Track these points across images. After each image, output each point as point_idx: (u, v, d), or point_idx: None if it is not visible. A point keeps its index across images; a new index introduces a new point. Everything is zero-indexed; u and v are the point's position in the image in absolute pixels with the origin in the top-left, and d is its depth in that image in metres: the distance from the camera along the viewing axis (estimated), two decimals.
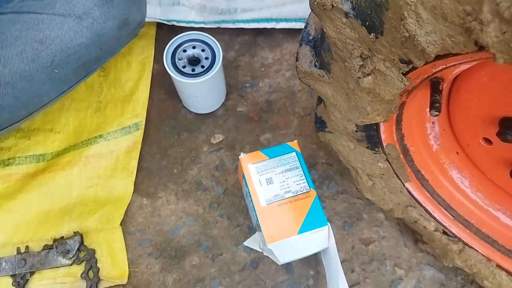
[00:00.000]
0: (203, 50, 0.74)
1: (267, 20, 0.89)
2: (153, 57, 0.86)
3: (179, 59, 0.74)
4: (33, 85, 0.65)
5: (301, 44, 0.54)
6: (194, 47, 0.74)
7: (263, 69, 0.88)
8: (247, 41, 0.90)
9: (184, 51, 0.74)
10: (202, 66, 0.73)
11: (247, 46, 0.90)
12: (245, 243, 0.71)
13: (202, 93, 0.76)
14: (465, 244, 0.60)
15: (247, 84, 0.86)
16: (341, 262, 0.63)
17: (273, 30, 0.90)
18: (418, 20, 0.33)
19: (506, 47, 0.28)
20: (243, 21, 0.89)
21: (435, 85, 0.46)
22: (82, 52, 0.66)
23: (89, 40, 0.66)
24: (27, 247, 0.70)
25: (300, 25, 0.88)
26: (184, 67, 0.73)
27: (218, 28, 0.89)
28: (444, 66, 0.39)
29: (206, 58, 0.74)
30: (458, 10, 0.30)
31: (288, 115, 0.84)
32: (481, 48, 0.32)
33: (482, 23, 0.29)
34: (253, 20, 0.89)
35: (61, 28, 0.64)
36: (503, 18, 0.27)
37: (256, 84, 0.86)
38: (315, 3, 0.41)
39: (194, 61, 0.74)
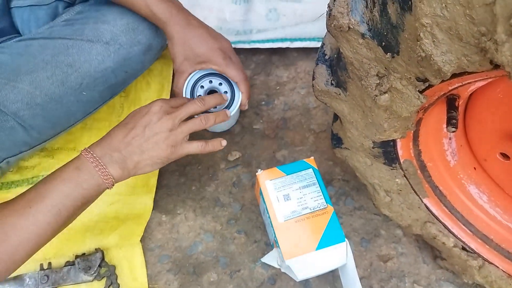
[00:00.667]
0: (220, 84, 0.72)
1: (282, 40, 0.91)
2: (171, 78, 0.88)
3: (198, 96, 0.72)
4: (62, 107, 0.68)
5: (317, 64, 0.56)
6: (211, 82, 0.72)
7: (278, 87, 0.90)
8: (262, 60, 0.93)
9: (202, 87, 0.72)
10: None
11: (263, 65, 0.92)
12: (262, 260, 0.71)
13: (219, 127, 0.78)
14: (485, 260, 0.60)
15: (263, 102, 0.88)
16: (359, 279, 0.63)
17: (287, 49, 0.93)
18: (434, 41, 0.34)
19: None
20: (259, 41, 0.91)
21: (451, 101, 0.47)
22: (109, 76, 0.69)
23: (116, 64, 0.69)
24: (49, 263, 0.71)
25: (315, 44, 0.90)
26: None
27: (234, 48, 0.91)
28: (460, 84, 0.40)
29: (225, 92, 0.72)
30: (473, 31, 0.31)
31: (304, 132, 0.85)
32: (496, 66, 0.33)
33: (497, 43, 0.30)
34: (268, 40, 0.91)
35: (89, 53, 0.67)
36: None
37: (271, 102, 0.88)
38: (332, 25, 0.43)
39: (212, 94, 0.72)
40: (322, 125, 0.86)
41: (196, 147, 0.62)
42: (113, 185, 0.57)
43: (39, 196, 0.52)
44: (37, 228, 0.51)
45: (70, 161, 0.56)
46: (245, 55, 0.93)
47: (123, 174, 0.57)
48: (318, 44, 0.91)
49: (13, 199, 0.53)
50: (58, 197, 0.52)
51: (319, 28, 0.91)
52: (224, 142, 0.66)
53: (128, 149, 0.57)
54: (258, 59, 0.93)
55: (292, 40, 0.91)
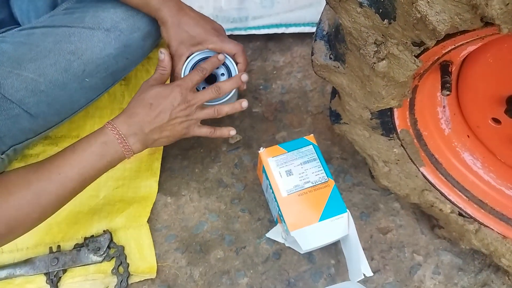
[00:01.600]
0: (217, 67, 0.72)
1: (277, 25, 0.94)
2: None
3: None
4: (65, 93, 0.69)
5: (315, 40, 0.58)
6: None
7: (275, 72, 0.92)
8: (258, 47, 0.95)
9: None
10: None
11: (259, 51, 0.94)
12: (267, 235, 0.74)
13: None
14: (481, 223, 0.63)
15: (261, 87, 0.90)
16: None
17: (283, 35, 0.95)
18: (428, 2, 0.37)
19: (510, 17, 0.32)
20: (254, 28, 0.94)
21: (444, 68, 0.49)
22: (110, 62, 0.71)
23: (117, 51, 0.71)
24: (58, 246, 0.73)
25: (309, 29, 0.93)
26: (203, 87, 0.73)
27: (231, 35, 0.93)
28: (453, 46, 0.43)
29: (222, 74, 0.73)
30: None
31: (302, 114, 0.87)
32: (486, 24, 0.35)
33: None
34: (263, 26, 0.94)
35: (91, 40, 0.69)
36: None
37: (269, 86, 0.91)
38: None
39: (210, 78, 0.74)
40: (319, 107, 0.88)
41: (205, 131, 0.70)
42: (131, 156, 0.64)
43: (68, 164, 0.59)
44: (64, 192, 0.59)
45: (96, 133, 0.62)
46: (242, 41, 0.95)
47: (142, 148, 0.64)
48: (313, 29, 0.93)
49: (40, 162, 0.60)
50: (85, 167, 0.59)
51: (313, 14, 0.93)
52: (233, 132, 0.72)
53: (151, 128, 0.63)
54: (254, 46, 0.95)
55: (287, 25, 0.93)
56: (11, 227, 0.56)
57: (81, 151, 0.60)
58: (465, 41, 0.41)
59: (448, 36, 0.39)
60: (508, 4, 0.32)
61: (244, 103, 0.70)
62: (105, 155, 0.60)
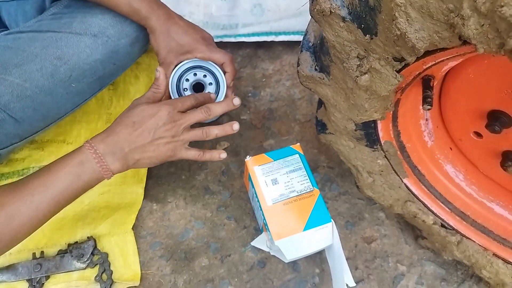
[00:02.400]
0: (204, 76, 0.73)
1: (266, 33, 0.94)
2: None
3: (184, 90, 0.73)
4: (51, 98, 0.69)
5: (301, 51, 0.59)
6: (195, 74, 0.73)
7: (264, 79, 0.92)
8: (248, 54, 0.95)
9: (187, 80, 0.73)
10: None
11: (248, 58, 0.95)
12: (252, 243, 0.74)
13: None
14: (463, 235, 0.63)
15: (250, 94, 0.91)
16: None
17: (272, 43, 0.95)
18: (408, 19, 0.37)
19: (485, 38, 0.33)
20: (244, 35, 0.94)
21: (426, 82, 0.50)
22: (97, 68, 0.71)
23: (104, 56, 0.70)
24: (42, 252, 0.72)
25: (298, 38, 0.94)
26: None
27: (221, 42, 0.94)
28: (434, 62, 0.43)
29: (210, 84, 0.73)
30: (442, 8, 0.34)
31: (289, 122, 0.88)
32: (464, 42, 0.36)
33: (463, 18, 0.33)
34: (253, 34, 0.94)
35: (78, 45, 0.69)
36: (480, 12, 0.31)
37: (258, 93, 0.91)
38: (315, 10, 0.46)
39: (198, 87, 0.73)
40: (307, 115, 0.89)
41: (193, 154, 0.66)
42: (111, 177, 0.61)
43: (42, 186, 0.56)
44: (37, 214, 0.55)
45: (73, 152, 0.59)
46: (232, 49, 0.95)
47: (122, 169, 0.61)
48: (302, 38, 0.94)
49: (15, 184, 0.56)
50: (60, 188, 0.56)
51: (302, 22, 0.94)
52: (223, 155, 0.68)
53: (131, 148, 0.60)
54: (244, 53, 0.96)
55: (276, 34, 0.94)
56: None
57: (56, 172, 0.57)
58: (446, 58, 0.42)
59: (428, 53, 0.40)
60: (483, 24, 0.32)
61: (235, 126, 0.67)
62: (81, 175, 0.57)
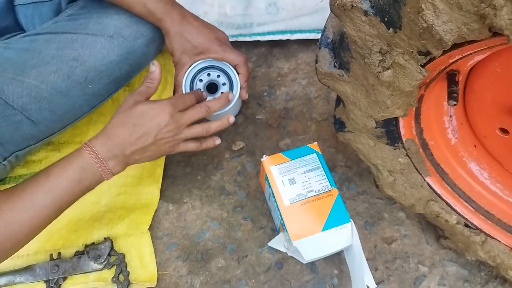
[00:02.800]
0: (218, 76, 0.73)
1: (282, 32, 0.93)
2: (174, 71, 0.90)
3: (198, 90, 0.72)
4: (68, 100, 0.69)
5: (319, 47, 0.58)
6: (209, 74, 0.73)
7: (279, 78, 0.91)
8: (263, 53, 0.94)
9: (200, 80, 0.72)
10: (222, 93, 0.72)
11: (264, 57, 0.94)
12: (269, 244, 0.73)
13: (223, 114, 0.78)
14: (487, 235, 0.61)
15: (265, 93, 0.90)
16: None
17: (288, 41, 0.94)
18: (435, 11, 0.36)
19: None
20: (259, 34, 0.93)
21: (451, 77, 0.48)
22: (113, 69, 0.70)
23: (120, 57, 0.70)
24: (59, 253, 0.72)
25: (314, 36, 0.92)
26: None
27: (236, 41, 0.93)
28: (460, 56, 0.42)
29: (224, 84, 0.73)
30: None
31: (306, 121, 0.87)
32: (494, 33, 0.35)
33: (495, 8, 0.32)
34: (268, 33, 0.93)
35: (94, 46, 0.69)
36: None
37: (273, 93, 0.90)
38: (336, 4, 0.45)
39: (211, 87, 0.73)
40: (324, 114, 0.87)
41: (191, 146, 0.66)
42: (111, 178, 0.60)
43: (42, 191, 0.55)
44: (38, 220, 0.55)
45: (72, 156, 0.58)
46: (246, 48, 0.95)
47: (122, 169, 0.61)
48: (318, 36, 0.92)
49: (13, 189, 0.55)
50: (60, 193, 0.56)
51: (318, 20, 0.93)
52: (218, 141, 0.69)
53: (133, 150, 0.59)
54: (259, 52, 0.95)
55: (292, 32, 0.93)
56: None
57: (56, 177, 0.56)
58: (473, 51, 0.41)
59: (455, 46, 0.39)
60: None
61: (231, 118, 0.68)
62: (82, 180, 0.56)
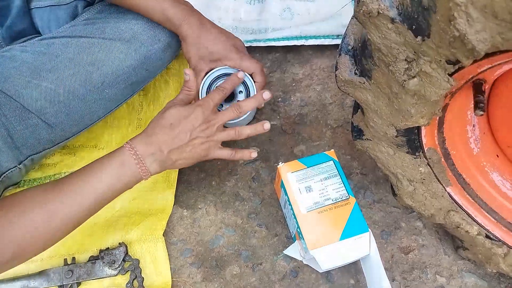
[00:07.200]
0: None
1: (296, 38, 0.92)
2: None
3: None
4: (84, 104, 0.69)
5: (340, 54, 0.57)
6: None
7: (294, 84, 0.91)
8: (278, 58, 0.94)
9: None
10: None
11: (278, 63, 0.93)
12: (285, 252, 0.72)
13: (238, 123, 0.78)
14: (510, 247, 0.60)
15: (279, 99, 0.89)
16: None
17: (302, 47, 0.94)
18: (468, 20, 0.35)
19: None
20: (274, 40, 0.93)
21: (478, 86, 0.47)
22: (130, 73, 0.70)
23: (137, 62, 0.70)
24: (73, 258, 0.72)
25: (329, 42, 0.91)
26: (220, 105, 0.73)
27: (250, 46, 0.92)
28: (490, 66, 0.41)
29: (240, 92, 0.73)
30: (510, 7, 0.32)
31: (321, 127, 0.86)
32: None
33: None
34: (283, 38, 0.92)
35: (111, 51, 0.69)
36: None
37: (287, 98, 0.89)
38: (361, 11, 0.44)
39: (228, 95, 0.71)
40: (339, 120, 0.86)
41: (226, 154, 0.66)
42: (148, 177, 0.61)
43: (83, 186, 0.56)
44: (79, 213, 0.56)
45: (115, 153, 0.59)
46: (261, 53, 0.94)
47: (159, 170, 0.62)
48: (333, 42, 0.92)
49: (55, 182, 0.57)
50: (102, 188, 0.57)
51: (333, 26, 0.92)
52: (254, 154, 0.69)
53: (170, 149, 0.61)
54: (273, 57, 0.94)
55: (306, 38, 0.92)
56: (22, 248, 0.53)
57: (98, 172, 0.57)
58: (503, 61, 0.40)
59: (486, 55, 0.38)
60: None
61: (266, 125, 0.68)
62: (122, 177, 0.58)
